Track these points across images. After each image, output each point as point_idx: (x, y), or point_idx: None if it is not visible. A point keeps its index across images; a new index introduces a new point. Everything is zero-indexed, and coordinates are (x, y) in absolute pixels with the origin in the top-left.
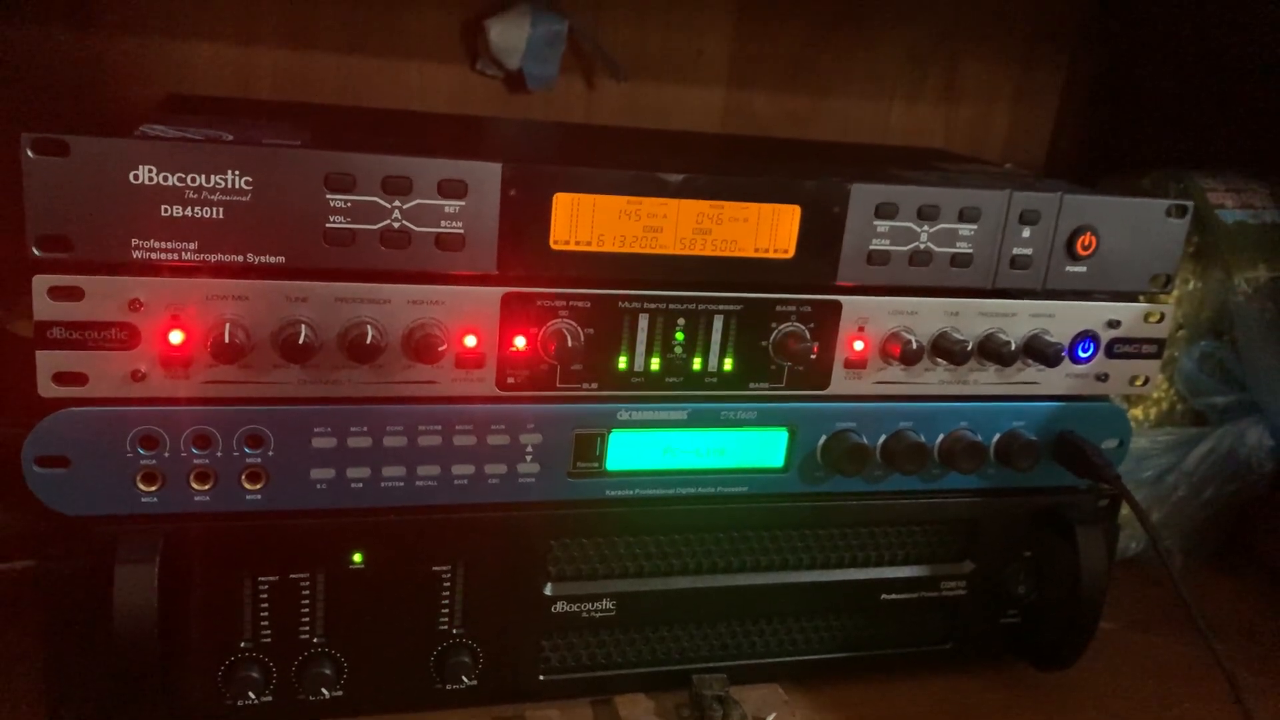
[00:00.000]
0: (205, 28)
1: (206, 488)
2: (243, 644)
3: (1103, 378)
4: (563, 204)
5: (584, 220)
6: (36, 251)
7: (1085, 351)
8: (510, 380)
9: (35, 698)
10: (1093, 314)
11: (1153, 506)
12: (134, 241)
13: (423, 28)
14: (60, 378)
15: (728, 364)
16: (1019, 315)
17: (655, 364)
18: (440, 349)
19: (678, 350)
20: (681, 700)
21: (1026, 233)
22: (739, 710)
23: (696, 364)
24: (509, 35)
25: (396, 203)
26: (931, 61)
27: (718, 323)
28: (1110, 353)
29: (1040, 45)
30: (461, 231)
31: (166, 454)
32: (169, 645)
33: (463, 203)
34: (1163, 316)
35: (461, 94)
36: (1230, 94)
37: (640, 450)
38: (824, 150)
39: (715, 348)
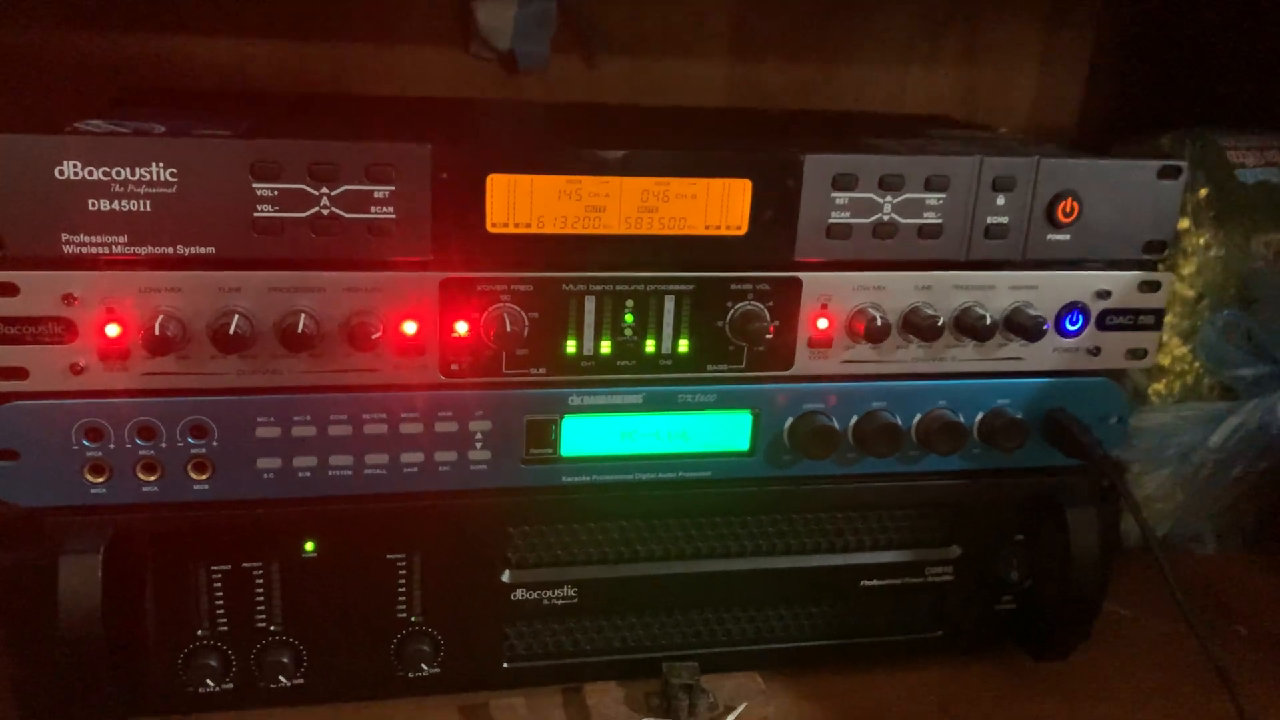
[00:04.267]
0: (197, 20)
1: (154, 478)
2: (200, 632)
3: (1094, 351)
4: (498, 185)
5: (522, 201)
6: None
7: (1073, 324)
8: (454, 367)
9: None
10: (1080, 284)
11: (1177, 486)
12: (64, 236)
13: (414, 12)
14: (2, 372)
15: (682, 346)
16: (997, 288)
17: (605, 347)
18: (373, 336)
19: (628, 333)
20: (653, 689)
21: (1001, 200)
22: (707, 700)
23: (649, 346)
24: (496, 15)
25: (324, 189)
26: (949, 22)
27: (669, 304)
28: (1102, 325)
29: (1067, 2)
30: (393, 217)
31: (112, 445)
32: (125, 634)
33: (392, 187)
34: (1159, 285)
35: (456, 78)
36: (1268, 49)
37: (596, 436)
38: (802, 120)
39: (668, 329)
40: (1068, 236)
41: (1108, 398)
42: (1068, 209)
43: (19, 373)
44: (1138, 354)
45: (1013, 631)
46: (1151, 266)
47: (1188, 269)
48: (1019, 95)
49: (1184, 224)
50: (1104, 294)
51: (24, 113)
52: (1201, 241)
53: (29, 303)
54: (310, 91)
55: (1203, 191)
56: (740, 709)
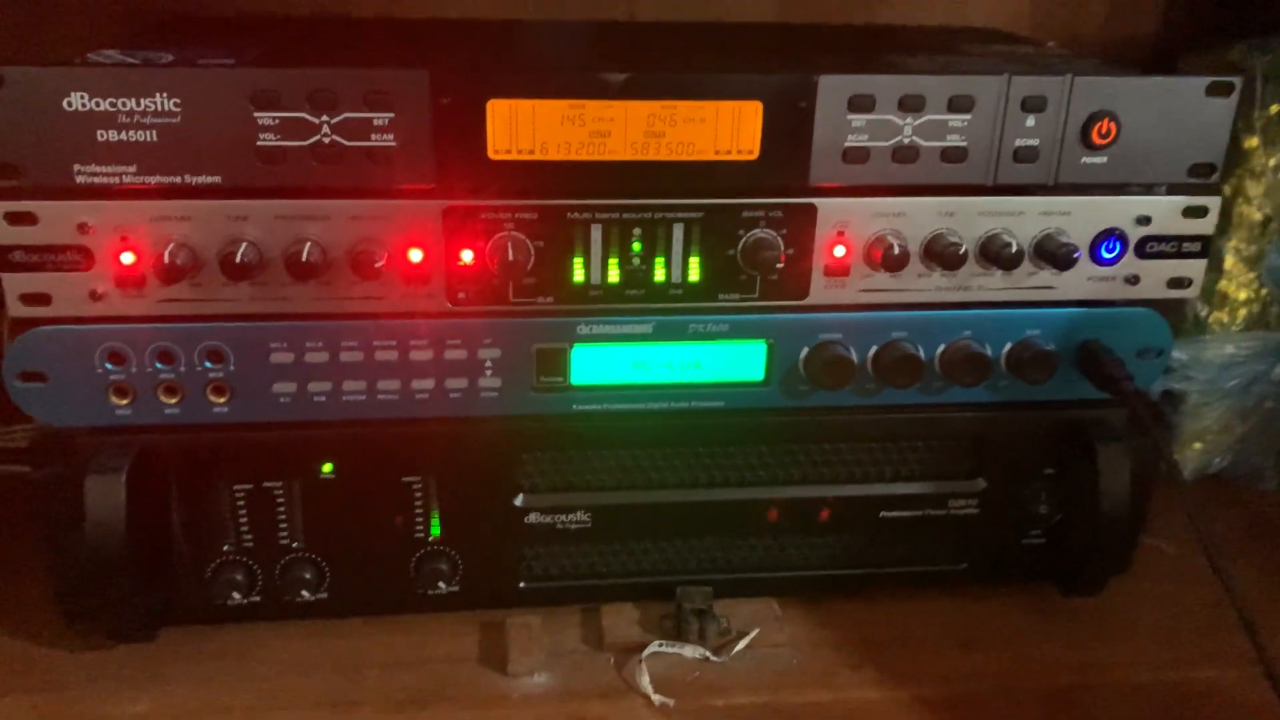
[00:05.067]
0: None
1: (175, 401)
2: (225, 548)
3: (1133, 280)
4: (499, 111)
5: (524, 127)
6: None
7: (1110, 252)
8: (461, 295)
9: None
10: (1117, 210)
11: (1237, 418)
12: (76, 167)
13: None
14: (26, 298)
15: (693, 274)
16: (1027, 214)
17: (613, 276)
18: (377, 265)
19: (636, 261)
20: (668, 612)
21: (1030, 121)
22: (717, 625)
23: (659, 275)
24: None
25: (324, 117)
26: None
27: (678, 231)
28: (1141, 252)
29: None
30: (393, 144)
31: (133, 369)
32: (151, 549)
33: (391, 114)
34: (1206, 210)
35: None
36: None
37: (607, 364)
38: (833, 35)
39: (677, 258)
40: (1104, 159)
41: (1149, 329)
42: (1104, 130)
43: (42, 299)
44: (1181, 283)
45: (1042, 566)
46: (1199, 191)
47: (1256, 191)
48: (1093, 4)
49: (1252, 142)
50: (1144, 220)
51: (65, 40)
52: (1272, 162)
53: (47, 231)
54: (357, 17)
55: (1274, 108)
56: (753, 634)
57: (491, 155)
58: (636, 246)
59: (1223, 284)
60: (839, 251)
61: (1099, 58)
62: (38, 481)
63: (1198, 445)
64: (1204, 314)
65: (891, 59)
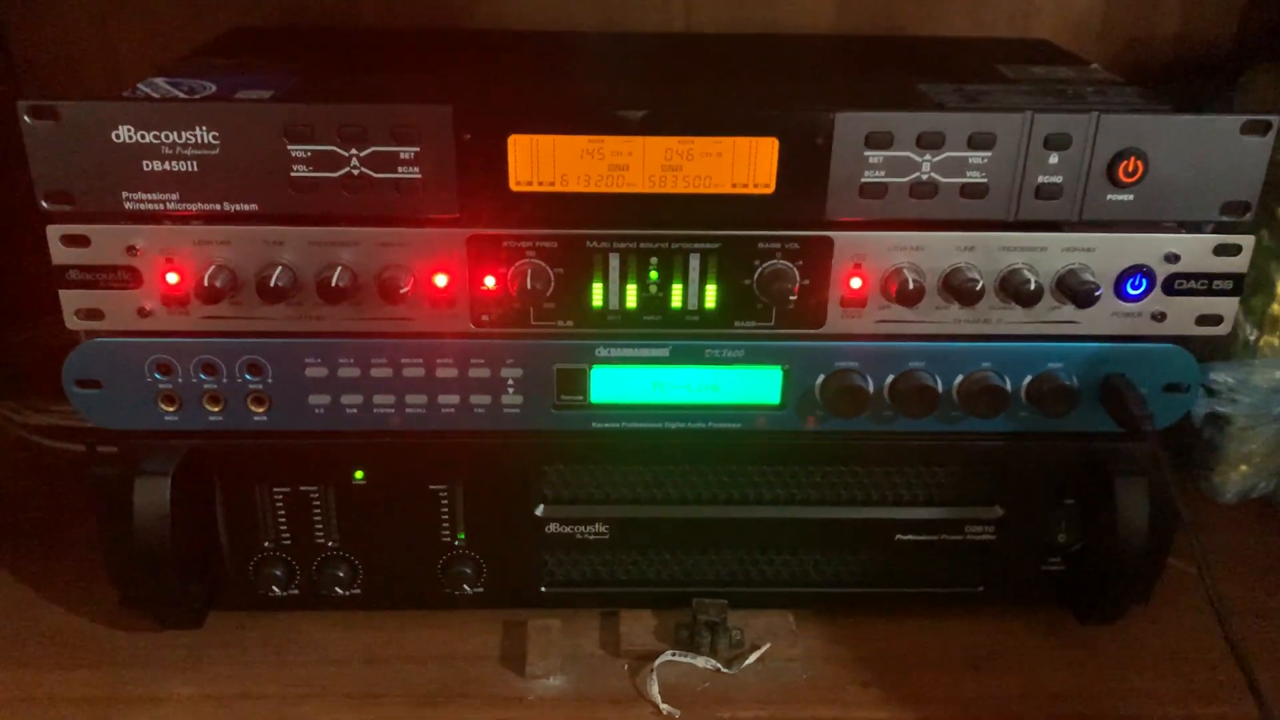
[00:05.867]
0: None
1: (218, 409)
2: (266, 544)
3: (1159, 317)
4: (520, 145)
5: (545, 161)
6: (45, 204)
7: (1135, 289)
8: (484, 318)
9: None
10: (1143, 247)
11: None
12: (124, 194)
13: None
14: (81, 313)
15: (709, 302)
16: (1050, 250)
17: (631, 303)
18: (402, 290)
19: (653, 289)
20: (684, 620)
21: (1054, 159)
22: (729, 637)
23: (675, 302)
24: None
25: (354, 151)
26: None
27: (694, 261)
28: (1169, 289)
29: None
30: (419, 177)
31: (180, 379)
32: (196, 544)
33: (417, 148)
34: (1240, 249)
35: (557, 5)
36: None
37: (625, 385)
38: (866, 49)
39: (694, 286)
40: (1131, 197)
41: (1175, 365)
42: (1130, 168)
43: (96, 314)
44: (1211, 320)
45: (1059, 592)
46: (1232, 229)
47: None
48: (1167, 4)
49: None
50: (1173, 258)
51: (142, 43)
52: None
53: (98, 253)
54: (404, 26)
55: None
56: (764, 649)
57: (513, 187)
58: (654, 275)
59: (1275, 307)
60: (855, 283)
61: (1143, 84)
62: (91, 480)
63: (1243, 468)
64: (1253, 338)
65: (919, 88)
